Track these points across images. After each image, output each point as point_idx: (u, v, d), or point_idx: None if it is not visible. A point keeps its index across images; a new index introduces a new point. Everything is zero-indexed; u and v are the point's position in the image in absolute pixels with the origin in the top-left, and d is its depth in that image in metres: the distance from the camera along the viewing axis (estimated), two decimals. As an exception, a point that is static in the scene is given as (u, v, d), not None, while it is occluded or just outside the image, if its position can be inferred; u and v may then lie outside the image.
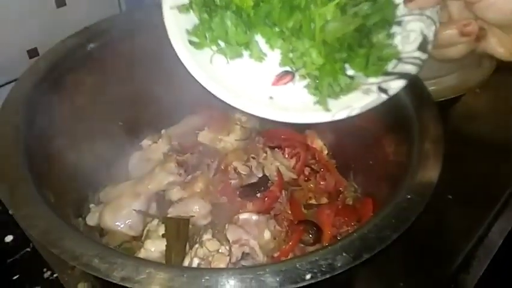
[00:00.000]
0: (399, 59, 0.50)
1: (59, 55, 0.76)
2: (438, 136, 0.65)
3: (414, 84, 0.75)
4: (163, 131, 0.94)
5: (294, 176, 0.86)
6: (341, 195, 0.86)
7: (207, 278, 0.45)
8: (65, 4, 0.98)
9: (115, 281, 0.46)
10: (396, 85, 0.49)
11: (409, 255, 0.82)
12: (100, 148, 0.86)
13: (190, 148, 0.91)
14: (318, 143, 0.93)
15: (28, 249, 0.79)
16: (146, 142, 0.94)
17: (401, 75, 0.49)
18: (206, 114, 0.97)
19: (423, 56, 0.49)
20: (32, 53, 0.98)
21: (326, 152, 0.93)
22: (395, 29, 0.51)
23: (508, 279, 0.94)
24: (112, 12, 1.06)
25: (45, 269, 0.77)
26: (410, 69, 0.49)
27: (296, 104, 0.51)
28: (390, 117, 0.77)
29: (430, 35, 0.49)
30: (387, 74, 0.50)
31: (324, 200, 0.85)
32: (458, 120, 1.09)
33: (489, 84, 1.02)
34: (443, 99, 0.99)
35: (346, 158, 0.91)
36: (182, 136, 0.93)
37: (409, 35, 0.51)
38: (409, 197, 0.57)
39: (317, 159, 0.90)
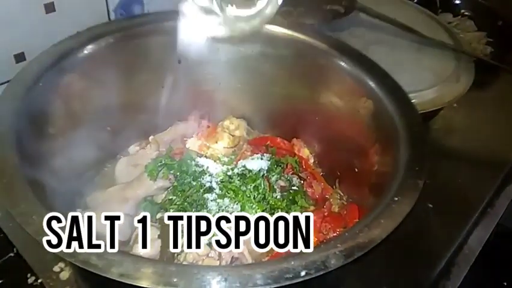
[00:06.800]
0: None
1: (51, 58, 0.76)
2: (423, 142, 0.68)
3: (399, 95, 0.79)
4: (151, 137, 0.94)
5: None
6: (327, 203, 0.88)
7: (208, 273, 0.46)
8: (54, 10, 0.98)
9: (113, 277, 0.46)
10: None
11: (392, 261, 0.84)
12: (88, 152, 0.85)
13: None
14: (304, 152, 0.95)
15: (12, 254, 0.78)
16: (133, 148, 0.94)
17: None
18: (195, 122, 0.99)
19: None
20: (19, 57, 0.97)
21: (312, 160, 0.96)
22: None
23: (486, 286, 0.98)
24: (100, 20, 1.06)
25: (29, 274, 0.75)
26: None
27: None
28: (376, 126, 0.81)
29: None
30: None
31: (311, 207, 0.87)
32: (437, 133, 1.14)
33: (466, 99, 1.06)
34: (422, 111, 1.03)
35: (332, 166, 0.93)
36: (171, 143, 0.94)
37: None
38: (396, 199, 0.60)
39: (304, 167, 0.92)
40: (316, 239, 0.81)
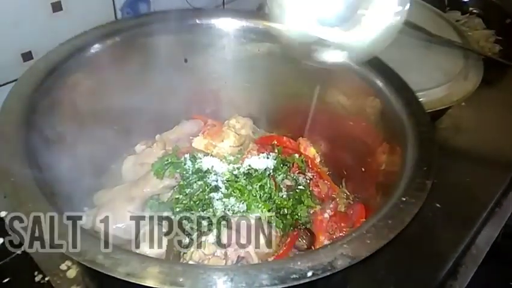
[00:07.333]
0: None
1: (58, 57, 0.76)
2: (431, 142, 0.67)
3: (406, 94, 0.78)
4: (157, 136, 0.95)
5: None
6: (333, 202, 0.88)
7: (214, 273, 0.46)
8: (61, 9, 0.98)
9: (119, 277, 0.46)
10: None
11: (399, 261, 0.84)
12: (94, 151, 0.86)
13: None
14: (311, 151, 0.95)
15: (19, 252, 0.78)
16: (140, 147, 0.94)
17: None
18: (200, 121, 0.99)
19: None
20: (27, 56, 0.97)
21: (318, 159, 0.95)
22: None
23: (494, 287, 0.97)
24: (107, 19, 1.06)
25: (36, 273, 0.76)
26: None
27: None
28: (383, 125, 0.80)
29: None
30: None
31: (317, 206, 0.86)
32: (445, 132, 1.13)
33: (474, 97, 1.05)
34: (430, 110, 1.02)
35: (338, 165, 0.93)
36: (177, 141, 0.94)
37: None
38: (404, 199, 0.59)
39: (310, 166, 0.92)
40: (322, 239, 0.81)
